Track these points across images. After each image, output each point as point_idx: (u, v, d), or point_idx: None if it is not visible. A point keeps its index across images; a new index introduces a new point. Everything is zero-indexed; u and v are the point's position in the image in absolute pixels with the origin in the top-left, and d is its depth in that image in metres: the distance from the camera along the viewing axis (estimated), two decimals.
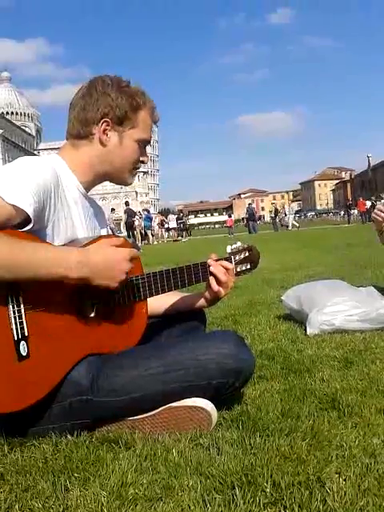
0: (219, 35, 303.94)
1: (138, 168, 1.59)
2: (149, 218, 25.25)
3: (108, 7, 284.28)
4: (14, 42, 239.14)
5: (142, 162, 1.57)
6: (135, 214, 24.28)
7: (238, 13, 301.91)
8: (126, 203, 25.96)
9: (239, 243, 1.68)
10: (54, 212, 1.36)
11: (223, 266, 1.58)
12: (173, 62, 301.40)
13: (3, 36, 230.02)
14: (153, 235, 25.87)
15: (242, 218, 35.62)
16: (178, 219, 30.67)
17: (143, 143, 1.54)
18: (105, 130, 1.47)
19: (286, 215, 31.75)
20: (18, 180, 1.25)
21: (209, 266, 1.58)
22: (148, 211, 28.14)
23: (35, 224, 1.27)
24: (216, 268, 1.58)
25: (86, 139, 1.48)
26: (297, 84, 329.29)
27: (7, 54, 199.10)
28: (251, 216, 29.56)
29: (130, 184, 1.62)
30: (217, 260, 1.60)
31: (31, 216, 1.24)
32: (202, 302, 1.70)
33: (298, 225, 30.38)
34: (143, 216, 25.01)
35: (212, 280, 1.59)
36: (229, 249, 1.66)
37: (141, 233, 23.59)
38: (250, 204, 34.13)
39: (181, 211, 30.76)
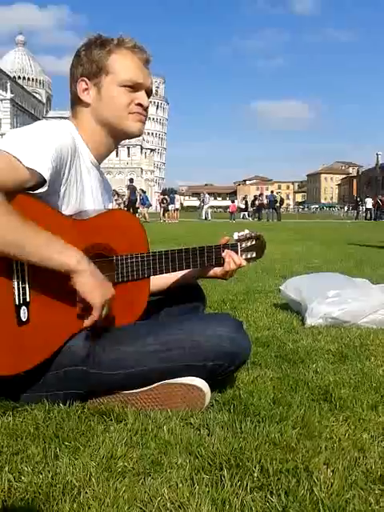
0: (241, 18, 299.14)
1: (140, 112, 1.47)
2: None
3: None
4: (36, 8, 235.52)
5: (140, 105, 1.46)
6: (136, 190, 23.91)
7: None
8: (131, 180, 25.49)
9: (247, 231, 1.68)
10: (68, 179, 1.36)
11: (230, 256, 1.60)
12: (191, 41, 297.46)
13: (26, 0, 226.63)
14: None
15: (247, 203, 35.42)
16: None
17: (131, 85, 1.44)
18: (84, 90, 1.45)
19: (203, 204, 30.86)
20: (36, 143, 1.24)
21: (217, 250, 1.59)
22: (143, 191, 27.38)
23: (49, 188, 1.26)
24: (226, 256, 1.60)
25: (79, 105, 1.48)
26: (315, 75, 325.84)
27: (27, 18, 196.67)
28: (272, 203, 29.46)
29: (139, 133, 1.51)
30: (224, 245, 1.60)
31: (47, 180, 1.24)
32: (198, 273, 1.70)
33: (210, 218, 29.93)
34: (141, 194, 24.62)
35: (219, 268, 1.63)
36: (236, 235, 1.65)
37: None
38: (272, 192, 33.87)
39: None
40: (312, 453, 1.18)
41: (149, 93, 1.49)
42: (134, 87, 1.45)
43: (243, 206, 36.12)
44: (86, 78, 1.44)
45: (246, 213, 34.89)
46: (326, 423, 1.36)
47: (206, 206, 30.71)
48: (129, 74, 1.44)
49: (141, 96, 1.46)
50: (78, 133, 1.45)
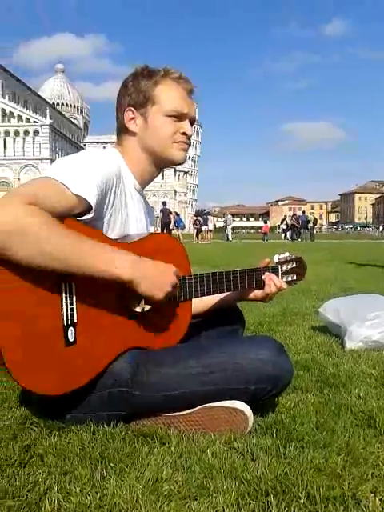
0: (272, 41, 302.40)
1: (184, 141, 1.52)
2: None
3: (168, 10, 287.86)
4: (74, 36, 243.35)
5: (184, 134, 1.51)
6: (170, 213, 24.30)
7: (292, 20, 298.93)
8: (164, 203, 25.84)
9: (287, 253, 1.68)
10: (113, 205, 1.40)
11: (271, 278, 1.61)
12: (223, 64, 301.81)
13: (65, 30, 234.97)
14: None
15: (288, 225, 35.18)
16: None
17: (176, 115, 1.49)
18: (131, 119, 1.50)
19: (227, 225, 31.61)
20: (84, 171, 1.29)
21: (258, 273, 1.60)
22: (177, 214, 27.95)
23: (95, 214, 1.31)
24: (267, 279, 1.61)
25: (125, 134, 1.53)
26: (344, 95, 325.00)
27: (66, 47, 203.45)
28: (304, 223, 30.01)
29: (182, 161, 1.54)
30: (264, 268, 1.61)
31: (93, 207, 1.28)
32: (239, 296, 1.72)
33: (231, 238, 31.09)
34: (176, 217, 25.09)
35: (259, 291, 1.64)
36: (276, 258, 1.66)
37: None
38: (304, 212, 34.31)
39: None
40: (358, 480, 1.16)
41: (192, 122, 1.54)
42: (179, 117, 1.50)
43: (285, 227, 36.11)
44: (132, 108, 1.49)
45: (288, 233, 34.76)
46: (371, 450, 1.33)
47: (229, 227, 31.12)
48: (174, 104, 1.49)
49: (185, 125, 1.51)
50: (123, 160, 1.50)
